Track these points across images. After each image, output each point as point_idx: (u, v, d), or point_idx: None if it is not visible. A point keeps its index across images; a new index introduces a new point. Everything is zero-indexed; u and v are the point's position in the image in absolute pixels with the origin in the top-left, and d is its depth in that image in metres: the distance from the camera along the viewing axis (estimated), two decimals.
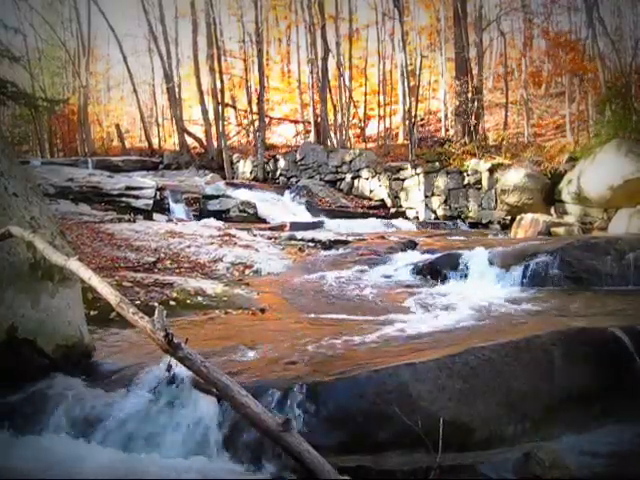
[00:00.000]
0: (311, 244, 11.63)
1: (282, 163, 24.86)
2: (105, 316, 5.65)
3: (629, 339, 4.59)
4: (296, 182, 22.74)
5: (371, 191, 20.84)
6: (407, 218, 18.92)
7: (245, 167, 26.07)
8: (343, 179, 22.08)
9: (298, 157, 24.16)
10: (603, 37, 17.90)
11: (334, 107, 25.64)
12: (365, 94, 27.98)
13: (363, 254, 10.39)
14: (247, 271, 9.55)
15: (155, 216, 15.97)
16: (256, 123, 27.46)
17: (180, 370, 3.84)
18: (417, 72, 23.83)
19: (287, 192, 21.34)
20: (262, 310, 6.73)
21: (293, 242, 11.79)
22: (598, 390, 4.36)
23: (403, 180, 19.77)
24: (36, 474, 3.35)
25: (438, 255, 9.30)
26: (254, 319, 6.34)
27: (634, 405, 4.30)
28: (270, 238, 12.14)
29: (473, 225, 17.40)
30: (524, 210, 15.24)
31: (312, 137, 26.61)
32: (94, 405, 3.95)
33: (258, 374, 4.03)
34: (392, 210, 19.70)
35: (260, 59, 27.04)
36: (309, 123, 28.28)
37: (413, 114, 21.60)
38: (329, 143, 24.53)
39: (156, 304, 3.72)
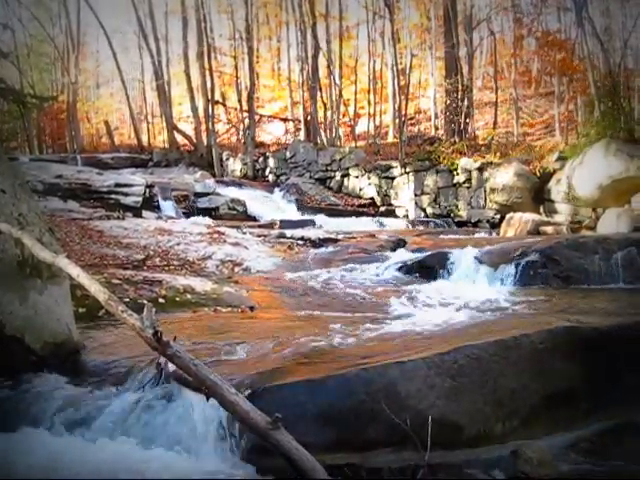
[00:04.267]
0: (301, 242, 11.61)
1: (272, 161, 24.86)
2: (94, 313, 5.64)
3: (616, 337, 4.62)
4: (286, 180, 22.76)
5: (361, 189, 20.86)
6: (397, 216, 18.97)
7: (235, 165, 26.06)
8: (333, 177, 22.09)
9: (288, 155, 24.16)
10: (592, 37, 17.96)
11: (324, 105, 25.63)
12: (355, 92, 27.99)
13: (352, 252, 10.39)
14: (236, 269, 9.53)
15: (144, 213, 15.94)
16: (246, 121, 27.48)
17: (169, 367, 3.84)
18: (407, 71, 23.88)
19: (277, 190, 21.36)
20: (251, 308, 6.73)
21: (283, 240, 11.77)
22: (586, 388, 4.38)
23: (393, 178, 19.81)
24: (23, 472, 3.33)
25: (427, 254, 9.31)
26: (243, 317, 6.33)
27: (621, 403, 4.32)
28: (260, 236, 12.11)
29: (463, 224, 17.42)
30: (513, 209, 15.29)
31: (302, 135, 26.65)
32: (83, 402, 3.94)
33: (246, 372, 4.02)
34: (382, 208, 19.74)
35: (250, 57, 27.06)
36: (299, 121, 28.30)
37: (403, 113, 21.62)
38: (319, 141, 24.53)
39: (145, 301, 3.72)
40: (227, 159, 26.52)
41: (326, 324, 5.58)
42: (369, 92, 27.13)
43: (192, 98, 28.62)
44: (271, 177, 24.63)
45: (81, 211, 14.39)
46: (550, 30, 26.36)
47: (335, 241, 11.50)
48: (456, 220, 17.77)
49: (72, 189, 16.35)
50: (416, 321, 5.56)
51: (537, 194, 16.00)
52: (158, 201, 17.37)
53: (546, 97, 26.29)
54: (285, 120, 31.50)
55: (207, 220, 14.55)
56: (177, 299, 6.90)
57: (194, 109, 28.60)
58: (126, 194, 16.80)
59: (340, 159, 21.82)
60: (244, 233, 12.30)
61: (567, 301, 6.44)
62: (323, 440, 3.57)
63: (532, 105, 26.14)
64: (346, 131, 27.74)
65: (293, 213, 18.68)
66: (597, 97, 16.68)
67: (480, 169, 17.34)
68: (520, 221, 13.83)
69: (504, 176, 16.39)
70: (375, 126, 26.06)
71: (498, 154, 17.81)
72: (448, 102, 21.09)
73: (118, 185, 17.05)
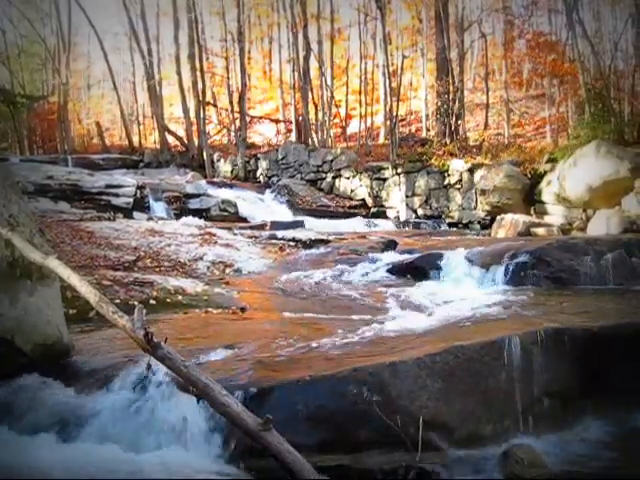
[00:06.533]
0: (292, 243, 11.60)
1: (263, 162, 24.83)
2: (84, 315, 5.62)
3: (606, 338, 4.63)
4: (277, 181, 22.73)
5: (352, 190, 20.84)
6: (388, 218, 18.97)
7: (226, 166, 26.03)
8: (324, 178, 22.06)
9: (279, 156, 24.13)
10: (583, 39, 18.04)
11: (315, 106, 25.61)
12: (346, 94, 28.00)
13: (344, 253, 10.38)
14: (227, 270, 9.51)
15: (135, 214, 15.88)
16: (237, 122, 27.42)
17: (160, 369, 3.83)
18: (399, 72, 23.90)
19: (268, 191, 21.34)
20: (242, 309, 6.71)
21: (274, 241, 11.75)
22: (576, 388, 4.40)
23: (384, 180, 19.81)
24: (13, 474, 3.31)
25: (418, 255, 9.32)
26: (234, 318, 6.32)
27: (610, 403, 4.34)
28: (251, 237, 12.09)
29: (454, 225, 17.46)
30: (504, 210, 15.32)
31: (293, 136, 26.63)
32: (73, 404, 3.93)
33: (237, 373, 4.02)
34: (373, 210, 19.74)
35: (242, 58, 27.01)
36: (290, 122, 28.30)
37: (394, 114, 21.64)
38: (310, 142, 24.51)
39: (136, 303, 3.71)
40: (218, 160, 26.48)
41: (317, 325, 5.58)
42: (360, 93, 27.13)
43: (183, 99, 28.58)
44: (262, 178, 24.59)
45: (72, 212, 14.33)
46: (541, 32, 26.49)
47: (326, 242, 11.48)
48: (447, 221, 17.79)
49: (63, 190, 16.28)
50: (407, 322, 5.56)
51: (528, 195, 16.03)
52: (149, 202, 17.31)
53: (537, 99, 26.40)
54: (276, 121, 31.49)
55: (198, 221, 14.52)
56: (168, 300, 6.89)
57: (185, 110, 28.56)
58: (117, 195, 16.74)
59: (331, 160, 21.80)
60: (235, 234, 12.28)
61: (557, 302, 6.45)
62: (314, 441, 3.58)
63: (523, 107, 26.23)
64: (337, 132, 27.75)
65: (284, 214, 18.65)
66: (588, 99, 16.75)
67: (471, 170, 17.37)
68: (511, 222, 13.87)
69: (495, 177, 16.41)
70: (366, 127, 26.07)
71: (489, 156, 17.84)
72: (439, 103, 21.13)
73: (109, 186, 16.99)
